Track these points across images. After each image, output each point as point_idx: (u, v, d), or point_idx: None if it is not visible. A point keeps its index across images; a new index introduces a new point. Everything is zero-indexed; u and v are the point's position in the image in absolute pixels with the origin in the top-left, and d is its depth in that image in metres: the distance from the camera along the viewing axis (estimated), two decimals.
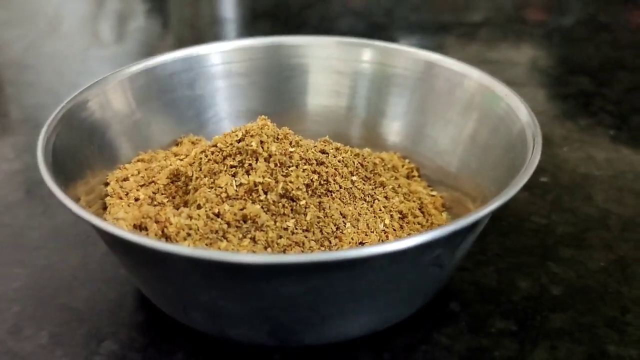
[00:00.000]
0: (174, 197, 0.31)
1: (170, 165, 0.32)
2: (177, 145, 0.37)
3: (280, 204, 0.29)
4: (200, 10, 0.78)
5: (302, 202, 0.29)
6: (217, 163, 0.30)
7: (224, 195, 0.29)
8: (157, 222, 0.28)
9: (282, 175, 0.29)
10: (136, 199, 0.31)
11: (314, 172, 0.30)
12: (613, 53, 0.61)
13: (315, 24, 0.69)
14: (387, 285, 0.26)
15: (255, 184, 0.29)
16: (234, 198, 0.28)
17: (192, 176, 0.31)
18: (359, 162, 0.33)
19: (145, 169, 0.33)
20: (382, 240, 0.31)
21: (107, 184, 0.33)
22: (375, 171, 0.33)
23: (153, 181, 0.32)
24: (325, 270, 0.24)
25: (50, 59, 0.61)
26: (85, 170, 0.31)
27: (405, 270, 0.26)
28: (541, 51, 0.63)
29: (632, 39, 0.65)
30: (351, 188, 0.31)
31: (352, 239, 0.30)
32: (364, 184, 0.32)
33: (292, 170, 0.30)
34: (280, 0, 0.78)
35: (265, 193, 0.29)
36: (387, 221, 0.32)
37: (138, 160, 0.35)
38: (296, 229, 0.28)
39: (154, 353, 0.28)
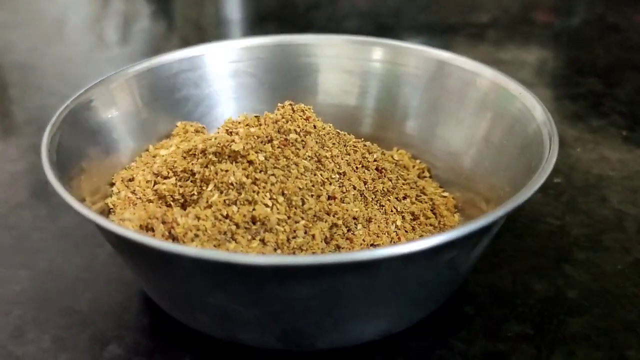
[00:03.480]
0: (182, 196, 0.30)
1: (175, 162, 0.32)
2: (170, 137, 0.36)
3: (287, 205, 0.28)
4: (205, 11, 0.77)
5: (311, 204, 0.28)
6: (219, 162, 0.29)
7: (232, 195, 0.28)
8: (164, 222, 0.27)
9: (286, 177, 0.29)
10: (142, 199, 0.30)
11: (320, 170, 0.30)
12: (622, 53, 0.60)
13: (321, 25, 0.69)
14: (401, 288, 0.25)
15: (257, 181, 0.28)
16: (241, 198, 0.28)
17: (197, 174, 0.30)
18: (368, 162, 0.32)
19: (150, 167, 0.33)
20: (394, 242, 0.30)
21: (112, 184, 0.32)
22: (386, 171, 0.33)
23: (157, 181, 0.31)
24: (338, 273, 0.23)
25: (55, 60, 0.61)
26: (91, 170, 0.31)
27: (420, 272, 0.25)
28: (549, 52, 0.63)
29: None
30: (363, 190, 0.30)
31: (363, 240, 0.29)
32: (374, 184, 0.31)
33: (300, 171, 0.29)
34: (286, 0, 0.77)
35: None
36: (398, 222, 0.31)
37: (141, 157, 0.34)
38: (306, 231, 0.28)
39: (160, 358, 0.28)
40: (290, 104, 0.31)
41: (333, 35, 0.39)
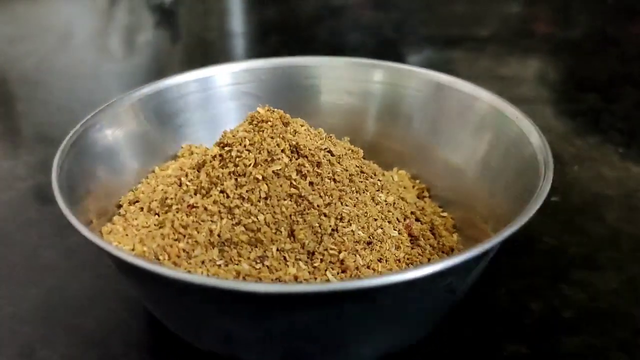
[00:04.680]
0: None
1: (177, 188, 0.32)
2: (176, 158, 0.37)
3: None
4: (210, 24, 0.78)
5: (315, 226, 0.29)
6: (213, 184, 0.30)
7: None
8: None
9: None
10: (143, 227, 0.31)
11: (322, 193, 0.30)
12: (621, 67, 0.61)
13: (324, 39, 0.69)
14: (400, 312, 0.26)
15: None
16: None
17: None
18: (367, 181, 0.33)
19: (154, 192, 0.33)
20: (395, 263, 0.30)
21: (120, 206, 0.33)
22: (385, 190, 0.33)
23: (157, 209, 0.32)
24: (340, 299, 0.24)
25: (62, 75, 0.61)
26: (98, 193, 0.32)
27: (418, 296, 0.26)
28: (549, 65, 0.63)
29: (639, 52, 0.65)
30: (365, 212, 0.31)
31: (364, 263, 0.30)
32: (374, 203, 0.32)
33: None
34: (290, 14, 0.78)
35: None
36: (398, 244, 0.31)
37: (148, 178, 0.35)
38: (311, 258, 0.28)
39: None
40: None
41: (334, 57, 0.40)
